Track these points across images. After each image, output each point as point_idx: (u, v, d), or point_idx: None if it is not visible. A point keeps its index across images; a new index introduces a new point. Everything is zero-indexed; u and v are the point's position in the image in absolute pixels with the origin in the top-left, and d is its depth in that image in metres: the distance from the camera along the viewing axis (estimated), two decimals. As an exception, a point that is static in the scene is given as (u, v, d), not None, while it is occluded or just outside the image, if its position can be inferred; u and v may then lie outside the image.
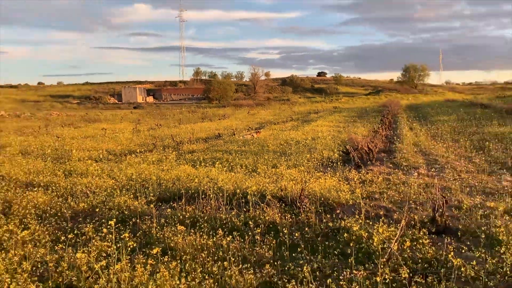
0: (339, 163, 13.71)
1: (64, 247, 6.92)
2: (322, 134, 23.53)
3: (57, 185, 11.55)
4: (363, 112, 46.42)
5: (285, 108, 63.84)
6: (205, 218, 8.31)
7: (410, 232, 7.27)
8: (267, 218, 8.06)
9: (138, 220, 8.33)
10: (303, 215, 8.36)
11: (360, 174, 12.40)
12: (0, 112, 57.46)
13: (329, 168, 13.34)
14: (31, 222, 8.27)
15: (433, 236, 7.52)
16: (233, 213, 8.33)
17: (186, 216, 8.26)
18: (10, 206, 9.51)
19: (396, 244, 6.24)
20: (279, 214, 8.37)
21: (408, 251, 6.43)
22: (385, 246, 6.40)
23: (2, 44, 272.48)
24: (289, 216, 8.41)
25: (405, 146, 17.82)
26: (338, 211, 8.73)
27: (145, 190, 10.76)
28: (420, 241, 6.76)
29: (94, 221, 8.54)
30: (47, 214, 9.06)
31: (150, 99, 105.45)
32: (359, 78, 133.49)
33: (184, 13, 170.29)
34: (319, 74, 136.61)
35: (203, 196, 9.47)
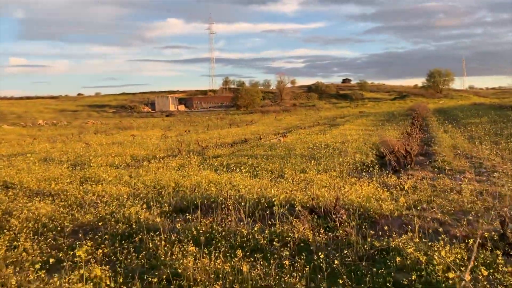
0: (375, 168, 11.88)
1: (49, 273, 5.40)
2: (352, 137, 21.67)
3: (68, 193, 10.15)
4: (391, 116, 44.12)
5: (311, 114, 61.93)
6: (223, 233, 6.68)
7: (482, 254, 5.46)
8: (296, 235, 6.35)
9: (145, 236, 6.75)
10: (340, 231, 6.62)
11: (400, 180, 10.59)
12: (39, 121, 57.42)
13: (364, 173, 11.55)
14: (23, 238, 6.80)
15: (506, 257, 5.71)
16: (256, 227, 6.66)
17: (201, 231, 6.63)
18: (9, 219, 8.10)
19: (468, 273, 4.50)
20: (311, 229, 6.67)
21: (485, 282, 4.65)
22: (452, 275, 4.64)
23: (46, 58, 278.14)
24: (323, 231, 6.70)
25: (443, 148, 15.83)
26: (382, 225, 6.98)
27: (160, 198, 9.21)
28: (499, 268, 4.96)
29: (97, 236, 7.03)
30: (46, 228, 7.60)
31: (182, 107, 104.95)
32: (384, 84, 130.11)
33: (214, 26, 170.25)
34: (344, 81, 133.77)
35: (223, 206, 7.86)
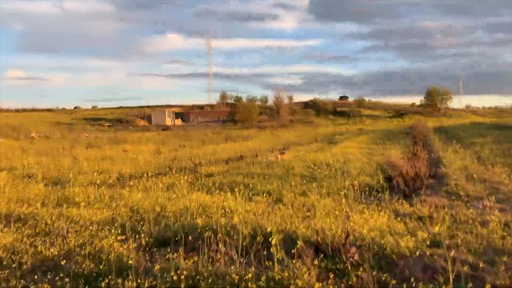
0: (384, 192, 10.67)
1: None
2: (353, 156, 20.51)
3: (38, 218, 8.89)
4: (390, 134, 43.07)
5: (309, 130, 60.92)
6: (210, 279, 5.43)
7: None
8: (300, 284, 5.09)
9: (114, 280, 5.50)
10: (353, 278, 5.40)
11: (413, 208, 9.39)
12: (31, 133, 56.13)
13: (371, 198, 10.33)
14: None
15: None
16: (251, 273, 5.39)
17: (182, 277, 5.38)
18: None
19: None
20: (318, 275, 5.43)
21: None
22: None
23: (44, 71, 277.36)
24: (332, 276, 5.47)
25: (453, 170, 14.67)
26: (401, 268, 5.78)
27: (141, 228, 7.96)
28: None
29: (57, 277, 5.78)
30: (1, 265, 6.35)
31: (179, 121, 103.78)
32: (381, 101, 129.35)
33: (213, 42, 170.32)
34: (341, 98, 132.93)
35: (211, 240, 6.62)
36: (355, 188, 11.93)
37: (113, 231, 7.61)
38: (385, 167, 15.53)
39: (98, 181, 14.28)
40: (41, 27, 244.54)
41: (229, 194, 11.25)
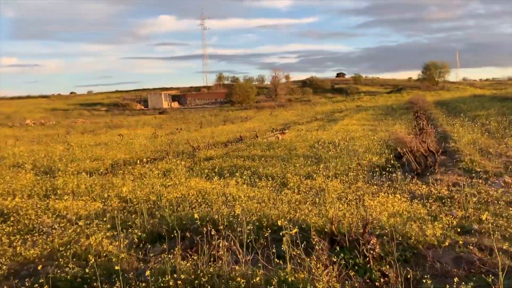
0: (396, 171, 9.85)
1: None
2: (357, 134, 19.69)
3: (22, 212, 8.09)
4: (390, 109, 42.16)
5: (307, 109, 59.87)
6: (213, 282, 4.65)
7: None
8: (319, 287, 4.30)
9: (99, 288, 4.72)
10: (376, 274, 4.63)
11: (429, 187, 8.61)
12: (26, 121, 55.09)
13: (383, 179, 9.53)
14: None
15: None
16: (259, 275, 4.59)
17: (180, 280, 4.59)
18: None
19: None
20: (337, 273, 4.64)
21: None
22: None
23: (38, 57, 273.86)
24: (353, 274, 4.70)
25: (463, 145, 13.88)
26: (431, 260, 5.02)
27: (133, 222, 7.17)
28: None
29: (36, 284, 4.99)
30: (-27, 270, 5.56)
31: (175, 104, 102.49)
32: (378, 77, 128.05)
33: (206, 22, 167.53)
34: (338, 75, 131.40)
35: (212, 234, 5.83)
36: (364, 168, 11.16)
37: (102, 225, 6.81)
38: (392, 144, 14.74)
39: (91, 169, 13.48)
40: (33, 13, 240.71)
41: (229, 179, 10.47)
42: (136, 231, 6.38)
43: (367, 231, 5.35)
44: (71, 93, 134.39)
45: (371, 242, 5.27)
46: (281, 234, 5.13)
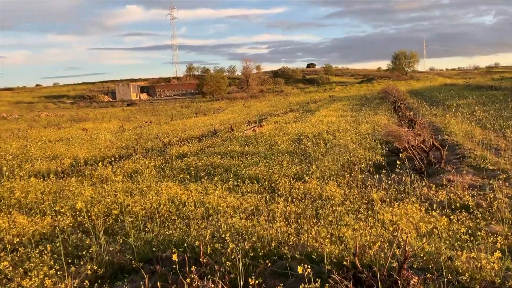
0: (401, 170, 8.44)
1: None
2: (338, 126, 18.38)
3: None
4: (364, 99, 41.23)
5: (280, 99, 58.53)
6: None
7: None
8: None
9: None
10: None
11: (444, 190, 7.26)
12: (-15, 115, 51.76)
13: (389, 180, 8.13)
14: None
15: None
16: None
17: None
18: None
19: None
20: None
21: None
22: None
23: (2, 49, 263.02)
24: None
25: (461, 139, 12.69)
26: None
27: (88, 248, 5.52)
28: None
29: None
30: None
31: (144, 96, 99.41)
32: (348, 68, 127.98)
33: (175, 12, 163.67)
34: (309, 66, 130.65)
35: (193, 268, 4.27)
36: (360, 167, 9.77)
37: (47, 255, 5.15)
38: (383, 138, 13.44)
39: (47, 170, 11.67)
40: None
41: (208, 182, 8.90)
42: (89, 265, 4.75)
43: (405, 267, 3.90)
44: (36, 85, 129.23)
45: (411, 282, 3.83)
46: (283, 266, 3.61)
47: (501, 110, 20.20)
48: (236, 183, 8.71)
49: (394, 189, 7.50)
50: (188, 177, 9.85)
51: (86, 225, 6.62)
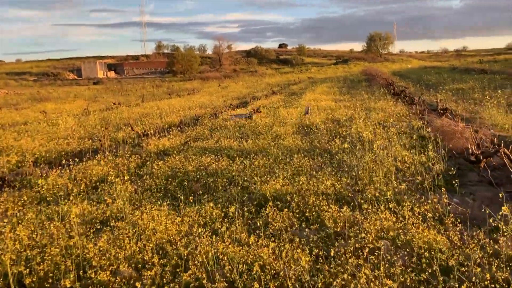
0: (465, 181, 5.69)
1: None
2: (340, 112, 15.63)
3: None
4: (348, 81, 38.62)
5: (257, 80, 55.35)
6: None
7: None
8: None
9: None
10: None
11: None
12: None
13: (463, 199, 5.37)
14: None
15: None
16: None
17: None
18: None
19: None
20: None
21: None
22: None
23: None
24: None
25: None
26: None
27: None
28: None
29: None
30: None
31: (112, 74, 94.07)
32: (320, 48, 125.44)
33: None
34: (280, 46, 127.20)
35: None
36: (408, 178, 7.02)
37: None
38: (431, 136, 10.72)
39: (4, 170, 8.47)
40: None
41: (207, 205, 5.92)
42: None
43: None
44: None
45: None
46: None
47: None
48: (250, 207, 5.80)
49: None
50: (177, 191, 6.86)
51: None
